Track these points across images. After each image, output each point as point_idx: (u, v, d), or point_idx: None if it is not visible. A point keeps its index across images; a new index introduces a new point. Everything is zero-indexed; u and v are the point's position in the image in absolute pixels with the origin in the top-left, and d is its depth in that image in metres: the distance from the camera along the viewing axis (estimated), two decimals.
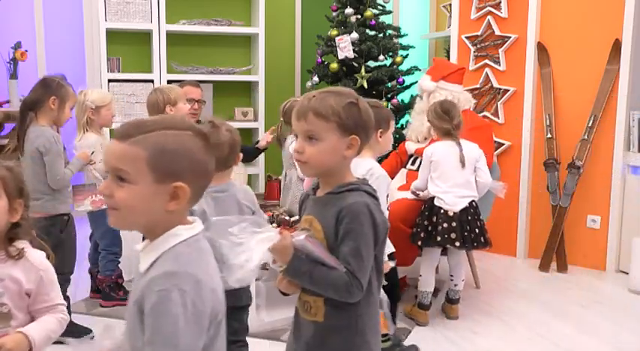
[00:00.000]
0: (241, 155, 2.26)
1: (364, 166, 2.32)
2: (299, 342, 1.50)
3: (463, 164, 2.86)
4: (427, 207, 2.92)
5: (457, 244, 2.83)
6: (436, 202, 2.87)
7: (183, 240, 1.11)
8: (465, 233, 2.84)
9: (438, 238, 2.82)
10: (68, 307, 2.70)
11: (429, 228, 2.86)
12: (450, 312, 3.07)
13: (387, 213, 2.34)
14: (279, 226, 3.05)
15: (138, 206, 1.08)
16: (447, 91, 3.49)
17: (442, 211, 2.84)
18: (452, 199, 2.85)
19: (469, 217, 2.86)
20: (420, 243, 2.89)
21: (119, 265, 3.14)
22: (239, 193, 2.16)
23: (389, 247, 2.38)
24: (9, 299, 1.52)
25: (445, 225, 2.82)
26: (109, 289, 3.09)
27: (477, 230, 2.87)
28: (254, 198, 2.23)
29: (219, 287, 1.13)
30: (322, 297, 1.41)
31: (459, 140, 2.91)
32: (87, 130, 2.97)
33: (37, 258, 1.58)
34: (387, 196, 2.50)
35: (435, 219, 2.85)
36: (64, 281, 2.68)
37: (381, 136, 2.44)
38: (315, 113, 1.37)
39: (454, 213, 2.84)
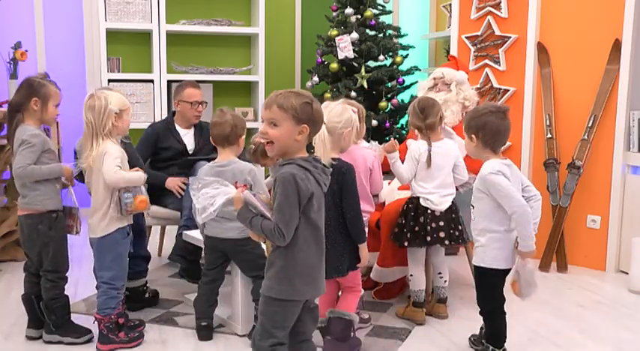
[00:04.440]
0: (244, 139, 2.72)
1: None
2: None
3: (429, 165, 2.86)
4: (412, 207, 2.92)
5: (446, 242, 2.87)
6: (422, 203, 2.89)
7: None
8: (451, 231, 2.88)
9: (428, 238, 2.85)
10: (68, 307, 2.73)
11: (416, 228, 2.87)
12: (441, 311, 3.05)
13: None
14: None
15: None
16: (467, 85, 3.62)
17: (429, 211, 2.87)
18: (437, 198, 2.88)
19: (453, 216, 2.90)
20: (406, 243, 2.89)
21: (121, 302, 2.67)
22: (236, 169, 2.66)
23: None
24: None
25: (433, 225, 2.85)
26: (107, 330, 2.61)
27: (459, 227, 2.92)
28: (255, 173, 2.69)
29: None
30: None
31: (431, 140, 2.89)
32: (103, 139, 2.54)
33: None
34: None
35: (422, 219, 2.86)
36: (59, 279, 2.68)
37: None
38: (278, 106, 1.83)
39: (440, 212, 2.87)
